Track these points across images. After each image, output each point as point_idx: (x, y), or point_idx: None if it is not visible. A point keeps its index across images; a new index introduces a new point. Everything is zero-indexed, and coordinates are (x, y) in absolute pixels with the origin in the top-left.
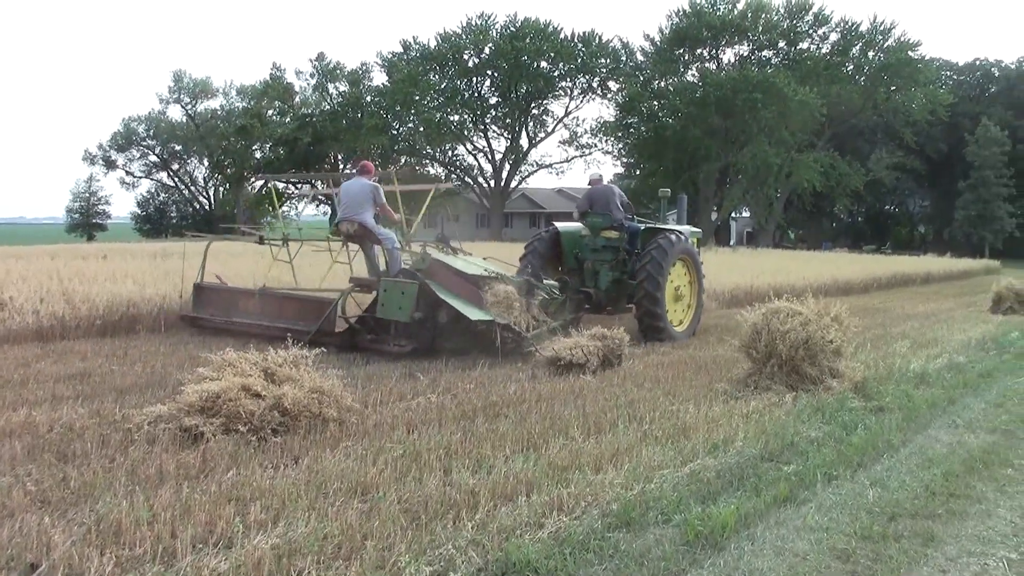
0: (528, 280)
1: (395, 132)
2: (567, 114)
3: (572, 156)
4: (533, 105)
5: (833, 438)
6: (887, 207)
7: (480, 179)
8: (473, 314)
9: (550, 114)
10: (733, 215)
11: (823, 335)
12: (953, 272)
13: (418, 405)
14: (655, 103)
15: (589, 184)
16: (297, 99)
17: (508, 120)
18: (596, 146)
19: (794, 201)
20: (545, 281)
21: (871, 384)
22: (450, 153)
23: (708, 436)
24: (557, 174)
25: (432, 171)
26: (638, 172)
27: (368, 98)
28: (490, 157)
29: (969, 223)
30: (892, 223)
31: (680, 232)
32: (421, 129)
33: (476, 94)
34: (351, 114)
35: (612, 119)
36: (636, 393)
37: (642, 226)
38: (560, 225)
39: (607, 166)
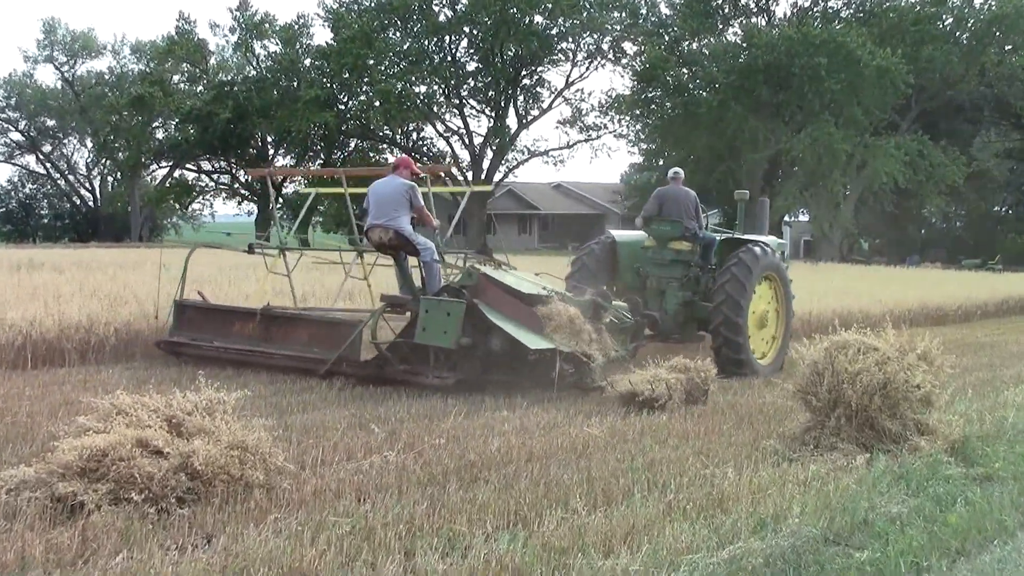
0: (595, 301)
1: (342, 107)
2: (568, 85)
3: (575, 141)
4: (524, 73)
5: (922, 516)
6: (996, 208)
7: (455, 170)
8: (532, 341)
9: (546, 85)
10: (786, 219)
11: (907, 378)
12: None
13: (372, 466)
14: (684, 71)
15: (668, 181)
16: (212, 61)
17: (491, 93)
18: (606, 128)
19: (869, 201)
20: (614, 303)
21: (973, 444)
22: (415, 136)
23: (753, 510)
24: (555, 164)
25: (390, 158)
26: (661, 162)
27: (307, 62)
28: (467, 141)
29: None
30: (1003, 230)
31: (766, 244)
32: (377, 103)
33: (449, 58)
34: (284, 83)
35: (628, 92)
36: (657, 451)
37: (719, 236)
38: (617, 234)
39: (620, 153)
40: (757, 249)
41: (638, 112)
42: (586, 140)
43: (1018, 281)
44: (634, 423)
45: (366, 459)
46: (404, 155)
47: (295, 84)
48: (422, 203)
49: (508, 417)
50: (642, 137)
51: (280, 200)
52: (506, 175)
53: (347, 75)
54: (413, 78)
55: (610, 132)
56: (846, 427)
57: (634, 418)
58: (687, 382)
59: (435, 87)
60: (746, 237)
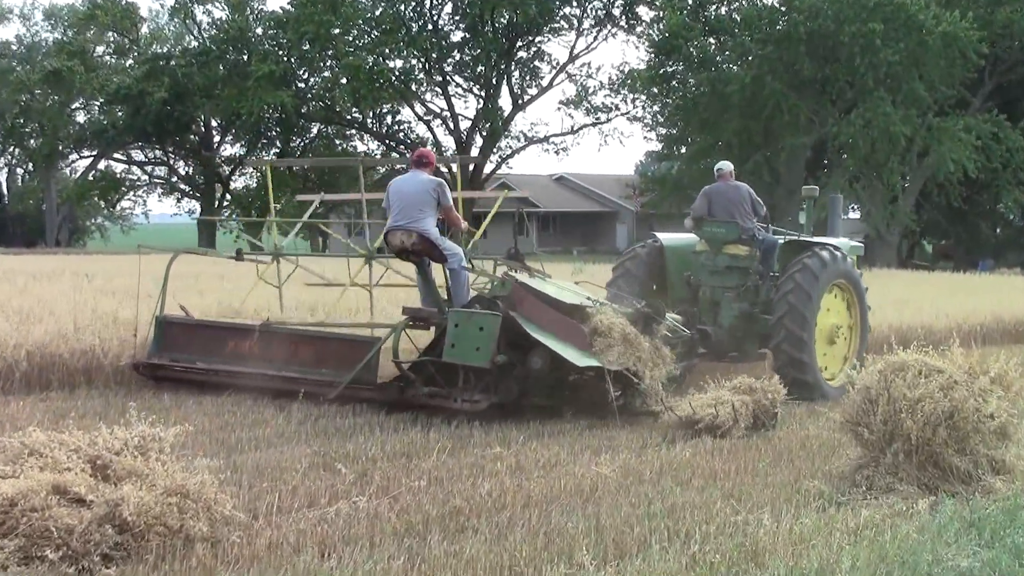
0: (646, 313)
1: (302, 85)
2: (573, 59)
3: (580, 125)
4: (519, 45)
5: (998, 571)
6: None
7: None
8: (579, 359)
9: (546, 59)
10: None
11: (978, 406)
12: None
13: (338, 514)
14: (711, 41)
15: (716, 177)
16: (145, 30)
17: (480, 68)
18: (618, 109)
19: (933, 194)
20: (668, 315)
21: None
22: (390, 119)
23: (794, 564)
24: (557, 152)
25: (361, 147)
26: (683, 150)
27: (259, 31)
28: (452, 126)
29: None
30: None
31: (835, 247)
32: (344, 81)
33: (430, 26)
34: (232, 56)
35: (643, 67)
36: (679, 495)
37: (781, 239)
38: (664, 237)
39: (635, 139)
40: (825, 254)
41: (656, 90)
42: (594, 124)
43: None
44: (651, 461)
45: (331, 506)
46: (424, 148)
47: (245, 58)
48: (451, 203)
49: (501, 454)
50: (660, 120)
51: (228, 196)
52: (499, 166)
53: (307, 47)
54: (387, 50)
55: (622, 114)
56: (905, 464)
57: (651, 455)
58: (754, 404)
59: (413, 61)
60: (813, 240)
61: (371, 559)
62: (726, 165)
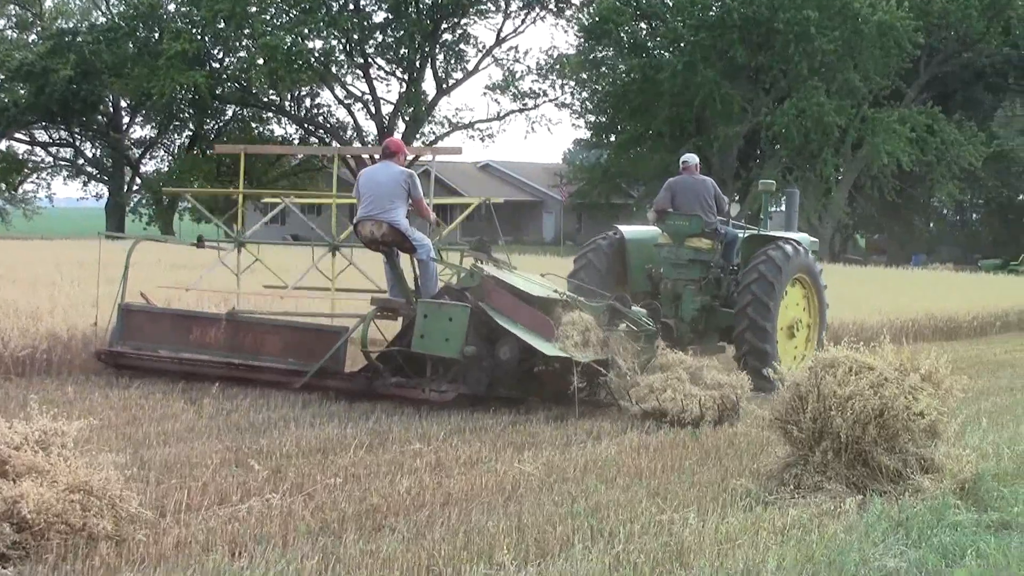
0: (613, 306)
1: (216, 65)
2: (500, 42)
3: (507, 111)
4: (444, 27)
5: (924, 571)
6: (1020, 197)
7: (357, 145)
8: (548, 350)
9: (472, 42)
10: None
11: (908, 404)
12: None
13: (250, 512)
14: (642, 26)
15: (680, 170)
16: (49, 3)
17: (403, 51)
18: (546, 95)
19: (866, 187)
20: (633, 307)
21: (988, 484)
22: (308, 102)
23: (720, 564)
24: (483, 139)
25: (279, 131)
26: (613, 138)
27: (171, 7)
28: (374, 110)
29: None
30: None
31: (797, 241)
32: (260, 61)
33: (352, 6)
34: (142, 33)
35: (572, 52)
36: (603, 493)
37: (742, 233)
38: (626, 229)
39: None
40: (788, 247)
41: (585, 76)
42: (521, 110)
43: None
44: (575, 458)
45: (243, 503)
46: (395, 138)
47: (156, 36)
48: (421, 194)
49: (421, 451)
50: (590, 107)
51: (138, 180)
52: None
53: (222, 25)
54: (306, 30)
55: (550, 100)
56: (834, 463)
57: (576, 452)
58: (721, 399)
59: (333, 42)
60: (774, 234)
61: (284, 558)
62: (692, 158)
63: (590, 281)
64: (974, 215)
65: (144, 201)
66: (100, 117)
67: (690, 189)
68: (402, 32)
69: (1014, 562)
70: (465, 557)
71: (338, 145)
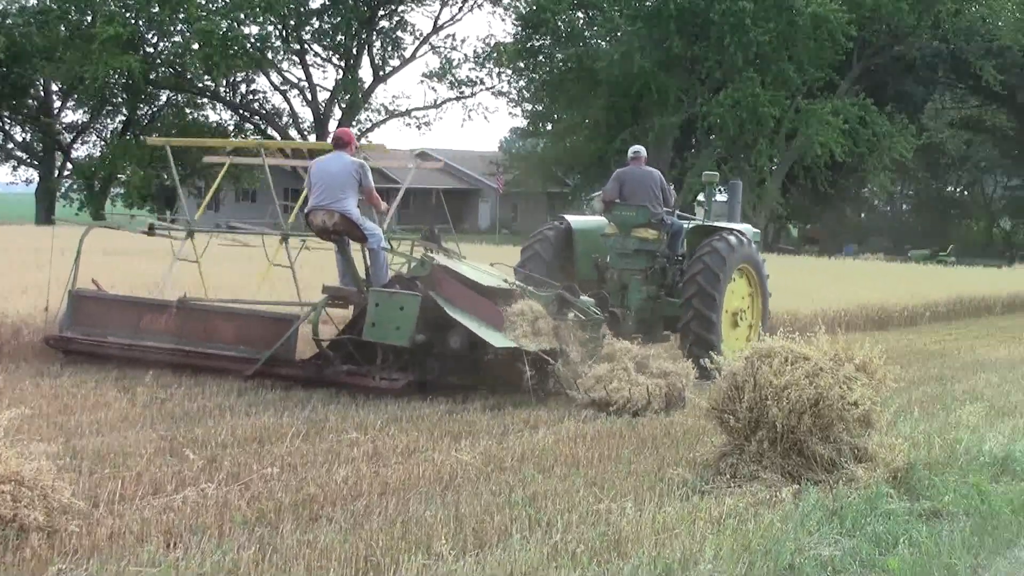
0: (561, 295)
1: (150, 50)
2: (437, 30)
3: (444, 99)
4: (381, 14)
5: (858, 560)
6: (950, 189)
7: (294, 132)
8: (497, 340)
9: (409, 29)
10: (700, 198)
11: (843, 393)
12: None
13: (185, 502)
14: (579, 15)
15: (628, 160)
16: None
17: (340, 37)
18: (482, 83)
19: (799, 177)
20: (582, 297)
21: (920, 473)
22: (244, 88)
23: (657, 553)
24: (419, 127)
25: (213, 116)
26: (549, 127)
27: None
28: (310, 97)
29: None
30: (959, 215)
31: (741, 232)
32: (195, 46)
33: None
34: (75, 16)
35: (509, 40)
36: (541, 483)
37: (687, 223)
38: (573, 219)
39: (500, 115)
40: (732, 238)
41: (522, 65)
42: (458, 98)
43: (974, 276)
44: (513, 447)
45: (178, 493)
46: (345, 128)
47: (89, 19)
48: (372, 184)
49: (357, 440)
50: (526, 96)
51: (70, 165)
52: (360, 139)
53: (156, 9)
54: (242, 15)
55: (487, 89)
56: (769, 452)
57: (513, 441)
58: (667, 387)
59: (270, 28)
60: (718, 224)
61: (220, 549)
62: (640, 150)
63: (537, 270)
64: (904, 206)
65: (75, 186)
66: (31, 101)
67: (638, 180)
68: (339, 19)
69: (945, 550)
70: (403, 547)
71: (276, 133)
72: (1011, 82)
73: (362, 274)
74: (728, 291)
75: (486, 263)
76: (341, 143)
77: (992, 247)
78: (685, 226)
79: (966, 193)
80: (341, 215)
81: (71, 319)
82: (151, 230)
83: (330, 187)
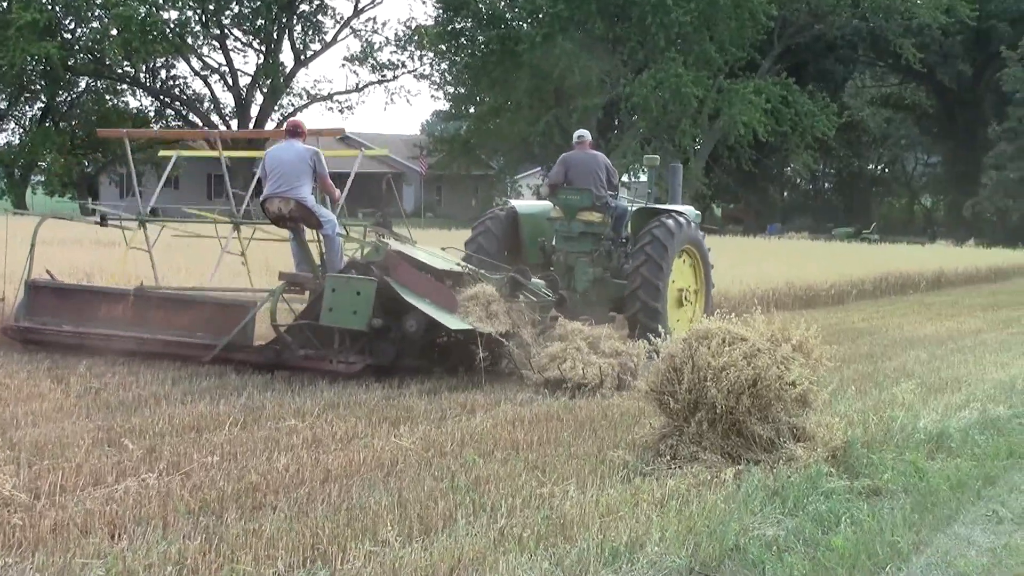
0: (514, 278)
1: (68, 36)
2: (357, 13)
3: (366, 83)
4: None
5: (802, 539)
6: (872, 167)
7: (216, 118)
8: (451, 322)
9: (329, 13)
10: (624, 179)
11: (780, 373)
12: (980, 271)
13: (127, 492)
14: None
15: (573, 145)
16: None
17: (260, 22)
18: (404, 67)
19: (723, 157)
20: (533, 279)
21: (858, 452)
22: (164, 74)
23: (603, 536)
24: (341, 111)
25: (133, 103)
26: (472, 110)
27: None
28: (231, 82)
29: (1005, 192)
30: (881, 193)
31: (681, 214)
32: (114, 32)
33: None
34: None
35: (430, 23)
36: (482, 467)
37: (631, 206)
38: (519, 204)
39: (422, 98)
40: (671, 222)
41: (444, 48)
42: (379, 82)
43: (898, 254)
44: (452, 432)
45: (119, 484)
46: (296, 118)
47: (5, 5)
48: (326, 172)
49: (296, 427)
50: (448, 79)
51: None
52: (280, 124)
53: None
54: (160, 0)
55: (409, 72)
56: (709, 433)
57: (451, 425)
58: (619, 366)
59: (189, 13)
60: (660, 207)
61: (165, 540)
62: (585, 134)
63: (485, 254)
64: (826, 184)
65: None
66: None
67: (583, 164)
68: (259, 3)
69: (887, 528)
70: (349, 535)
71: (198, 118)
72: (930, 60)
73: (316, 260)
74: (672, 274)
75: (436, 247)
76: (295, 132)
77: (913, 224)
78: (630, 208)
79: (887, 171)
80: (297, 202)
81: (27, 309)
82: (103, 221)
83: (285, 175)
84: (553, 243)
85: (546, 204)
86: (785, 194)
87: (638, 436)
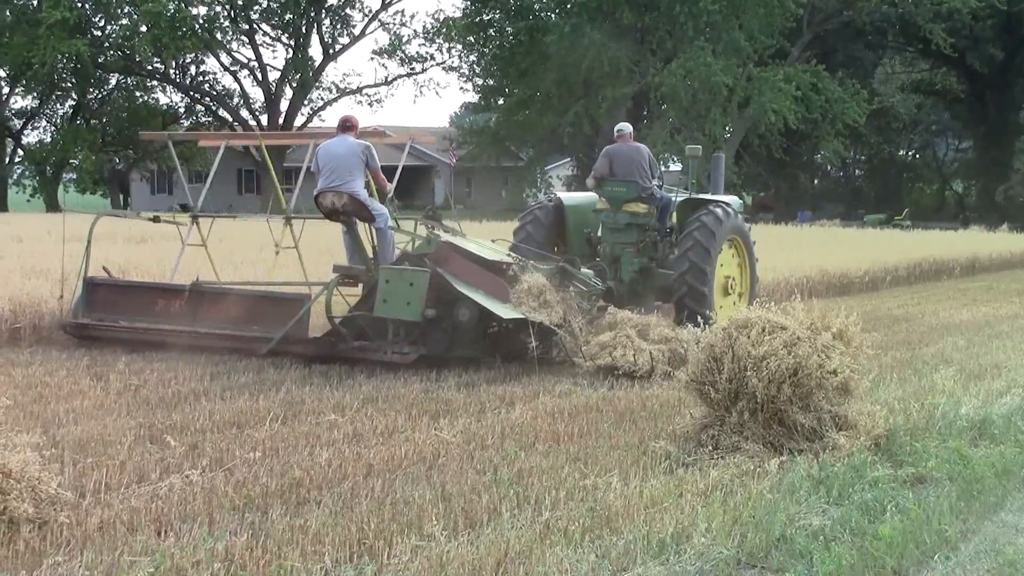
0: (564, 267)
1: (98, 33)
2: (385, 6)
3: (395, 76)
4: None
5: (848, 528)
6: (903, 153)
7: (245, 113)
8: (504, 312)
9: (358, 7)
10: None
11: (821, 362)
12: (1014, 256)
13: (171, 489)
14: None
15: (615, 138)
16: None
17: (289, 16)
18: (433, 59)
19: (753, 145)
20: (583, 269)
21: (900, 440)
22: (193, 70)
23: (649, 528)
24: (371, 104)
25: (164, 99)
26: (501, 101)
27: None
28: (260, 77)
29: None
30: (912, 179)
31: (728, 204)
32: (143, 29)
33: None
34: (20, 2)
35: (459, 15)
36: (525, 460)
37: (676, 196)
38: (565, 196)
39: (451, 90)
40: (719, 211)
41: (472, 40)
42: (408, 75)
43: (931, 240)
44: (492, 425)
45: (163, 481)
46: (349, 114)
47: (35, 3)
48: (378, 165)
49: (336, 422)
50: (477, 71)
51: (20, 152)
52: (310, 118)
53: None
54: None
55: (438, 64)
56: (750, 423)
57: (491, 418)
58: (669, 352)
59: (218, 8)
60: (706, 197)
61: (211, 536)
62: (626, 127)
63: (531, 245)
64: (857, 171)
65: (27, 173)
66: None
67: (626, 156)
68: None
69: (934, 516)
70: (395, 529)
71: (228, 113)
72: (961, 44)
73: (369, 253)
74: (718, 262)
75: (490, 239)
76: (347, 127)
77: (945, 210)
78: (674, 199)
79: (918, 157)
80: (350, 196)
81: (86, 305)
82: (156, 219)
83: (338, 169)
84: (599, 234)
85: (592, 196)
86: (816, 181)
87: (679, 427)
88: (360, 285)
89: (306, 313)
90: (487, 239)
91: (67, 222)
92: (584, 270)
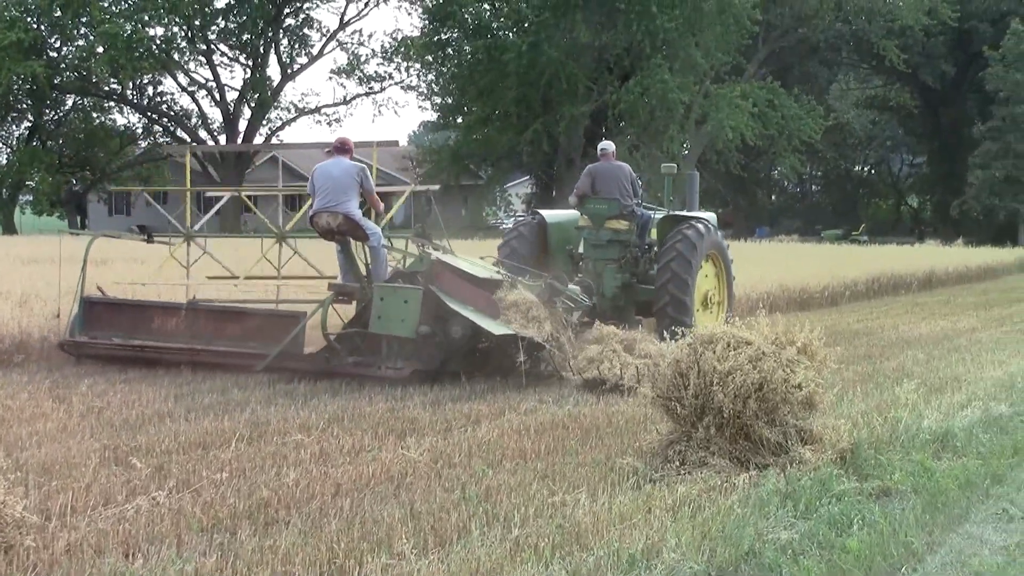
0: (552, 284)
1: (54, 54)
2: (343, 26)
3: (353, 95)
4: (287, 11)
5: (817, 542)
6: (858, 168)
7: (203, 133)
8: (494, 328)
9: (316, 26)
10: None
11: (786, 376)
12: (970, 270)
13: (138, 511)
14: (486, 7)
15: (599, 156)
16: None
17: (246, 36)
18: (391, 78)
19: (711, 161)
20: (569, 286)
21: (865, 453)
22: (151, 90)
23: (619, 543)
24: (330, 124)
25: (121, 120)
26: (460, 120)
27: None
28: (218, 97)
29: (991, 191)
30: (868, 194)
31: (707, 221)
32: (100, 49)
33: None
34: None
35: (416, 34)
36: (492, 477)
37: (656, 214)
38: (547, 213)
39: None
40: (700, 226)
41: (430, 59)
42: (367, 94)
43: (888, 255)
44: (458, 443)
45: (130, 503)
46: (345, 136)
47: None
48: (373, 187)
49: (303, 441)
50: (436, 89)
51: None
52: (269, 138)
53: (59, 13)
54: (146, 17)
55: (396, 83)
56: (716, 438)
57: (457, 436)
58: (655, 366)
59: (175, 29)
60: (684, 214)
61: (180, 558)
62: (609, 145)
63: (515, 262)
64: (814, 187)
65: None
66: None
67: (609, 174)
68: (244, 18)
69: (900, 529)
70: (365, 548)
71: (186, 134)
72: (913, 60)
73: (362, 271)
74: (699, 275)
75: (479, 257)
76: (343, 149)
77: (901, 225)
78: (653, 216)
79: (873, 172)
80: (344, 216)
81: (83, 324)
82: (150, 238)
83: (333, 190)
84: (580, 250)
85: (573, 213)
86: (773, 197)
87: (645, 443)
88: (354, 302)
89: (302, 330)
90: (489, 255)
91: (28, 244)
92: (571, 286)
